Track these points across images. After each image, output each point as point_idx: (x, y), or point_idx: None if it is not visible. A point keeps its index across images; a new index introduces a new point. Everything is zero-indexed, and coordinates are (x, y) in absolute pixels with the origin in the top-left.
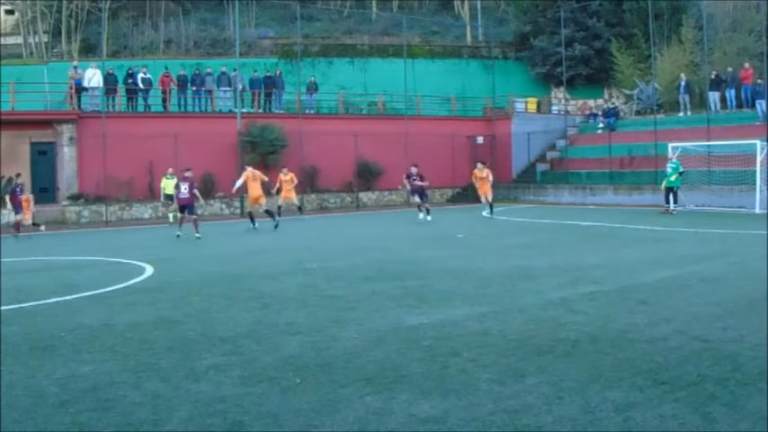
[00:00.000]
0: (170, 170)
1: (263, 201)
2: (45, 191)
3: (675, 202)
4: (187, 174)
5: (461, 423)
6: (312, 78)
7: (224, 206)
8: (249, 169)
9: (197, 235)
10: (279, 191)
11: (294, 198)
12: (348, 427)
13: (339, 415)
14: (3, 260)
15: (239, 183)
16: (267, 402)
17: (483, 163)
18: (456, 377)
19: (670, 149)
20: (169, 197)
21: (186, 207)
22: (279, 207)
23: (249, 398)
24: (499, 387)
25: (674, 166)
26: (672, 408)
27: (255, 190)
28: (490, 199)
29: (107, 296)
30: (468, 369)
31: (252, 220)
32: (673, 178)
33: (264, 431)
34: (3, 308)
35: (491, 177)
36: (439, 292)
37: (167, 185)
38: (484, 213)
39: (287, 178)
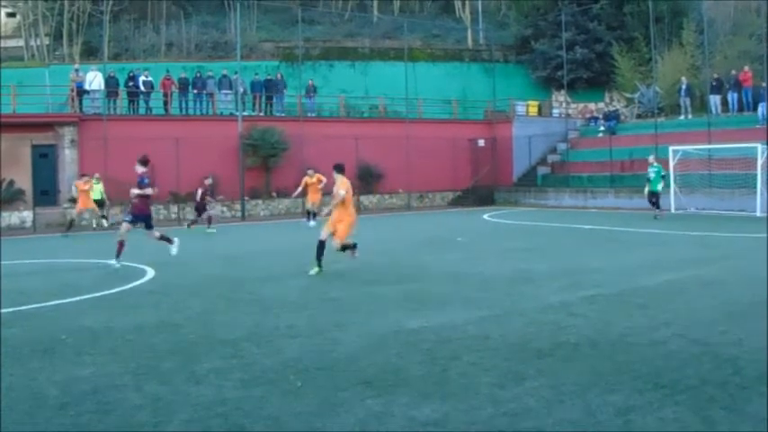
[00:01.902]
0: (96, 175)
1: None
2: (46, 193)
3: (658, 206)
4: (207, 182)
5: (462, 426)
6: (311, 81)
7: (225, 209)
8: (95, 177)
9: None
10: (304, 193)
11: (317, 202)
12: (349, 430)
13: (340, 418)
14: (3, 262)
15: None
16: (268, 405)
17: (314, 170)
18: (456, 380)
19: (670, 152)
20: (97, 202)
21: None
22: (308, 212)
23: (250, 401)
24: (499, 390)
25: (656, 170)
26: (672, 411)
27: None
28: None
29: (108, 299)
30: (469, 372)
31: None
32: (660, 186)
33: None
34: (4, 310)
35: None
36: (439, 296)
37: (95, 190)
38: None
39: (313, 180)
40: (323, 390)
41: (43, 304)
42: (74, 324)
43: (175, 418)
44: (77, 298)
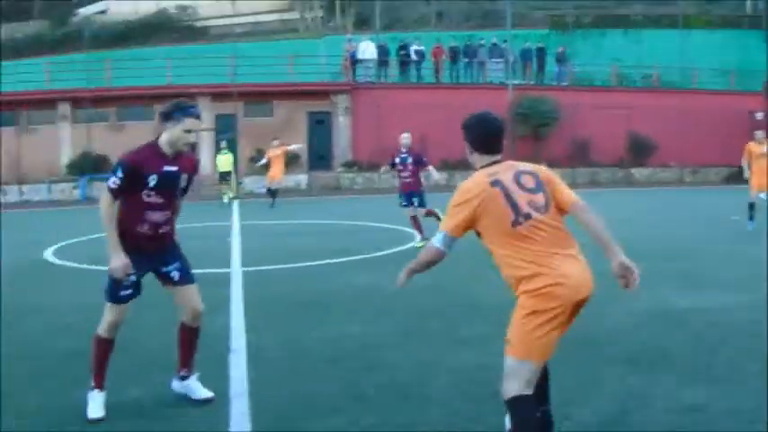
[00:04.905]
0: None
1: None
2: (322, 158)
3: None
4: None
5: (724, 415)
6: (561, 48)
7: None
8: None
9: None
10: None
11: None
12: (606, 406)
13: (594, 395)
14: (279, 222)
15: None
16: None
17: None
18: (722, 366)
19: None
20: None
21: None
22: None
23: None
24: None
25: None
26: None
27: None
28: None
29: (378, 260)
30: (736, 359)
31: None
32: None
33: None
34: (275, 267)
35: None
36: (711, 277)
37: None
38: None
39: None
40: (579, 366)
41: (314, 263)
42: (343, 282)
43: (435, 383)
44: (348, 258)
